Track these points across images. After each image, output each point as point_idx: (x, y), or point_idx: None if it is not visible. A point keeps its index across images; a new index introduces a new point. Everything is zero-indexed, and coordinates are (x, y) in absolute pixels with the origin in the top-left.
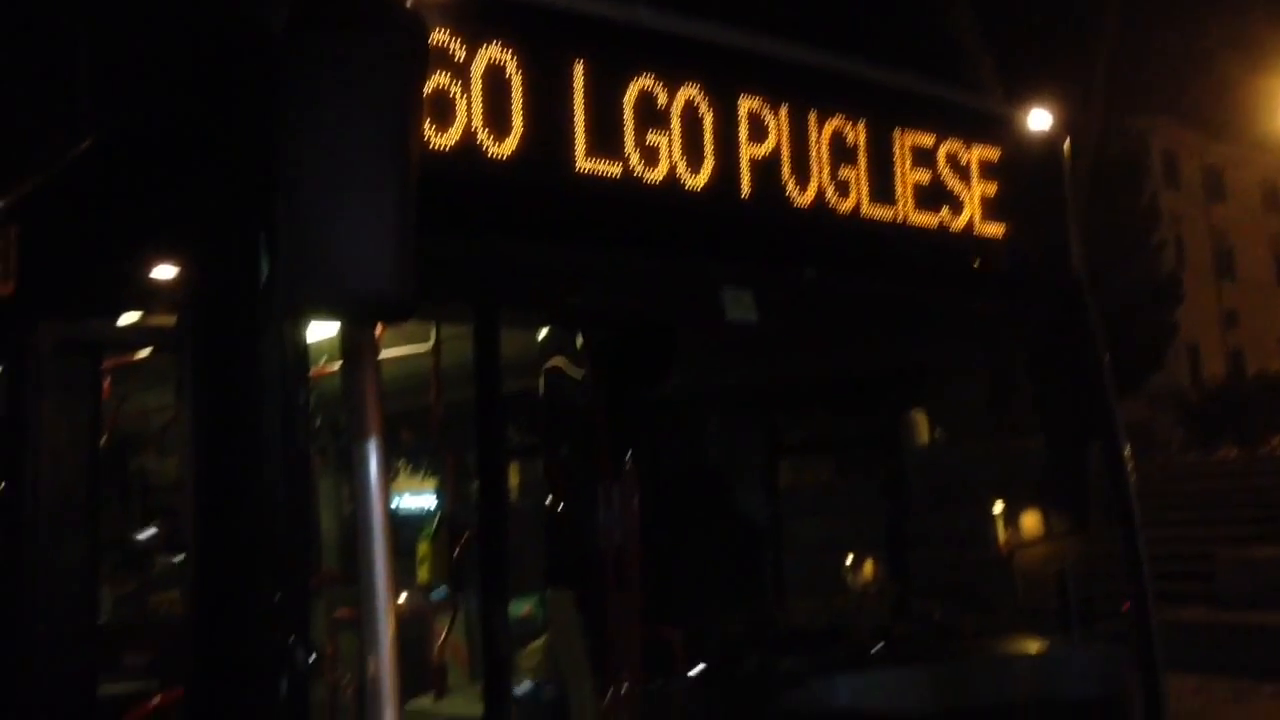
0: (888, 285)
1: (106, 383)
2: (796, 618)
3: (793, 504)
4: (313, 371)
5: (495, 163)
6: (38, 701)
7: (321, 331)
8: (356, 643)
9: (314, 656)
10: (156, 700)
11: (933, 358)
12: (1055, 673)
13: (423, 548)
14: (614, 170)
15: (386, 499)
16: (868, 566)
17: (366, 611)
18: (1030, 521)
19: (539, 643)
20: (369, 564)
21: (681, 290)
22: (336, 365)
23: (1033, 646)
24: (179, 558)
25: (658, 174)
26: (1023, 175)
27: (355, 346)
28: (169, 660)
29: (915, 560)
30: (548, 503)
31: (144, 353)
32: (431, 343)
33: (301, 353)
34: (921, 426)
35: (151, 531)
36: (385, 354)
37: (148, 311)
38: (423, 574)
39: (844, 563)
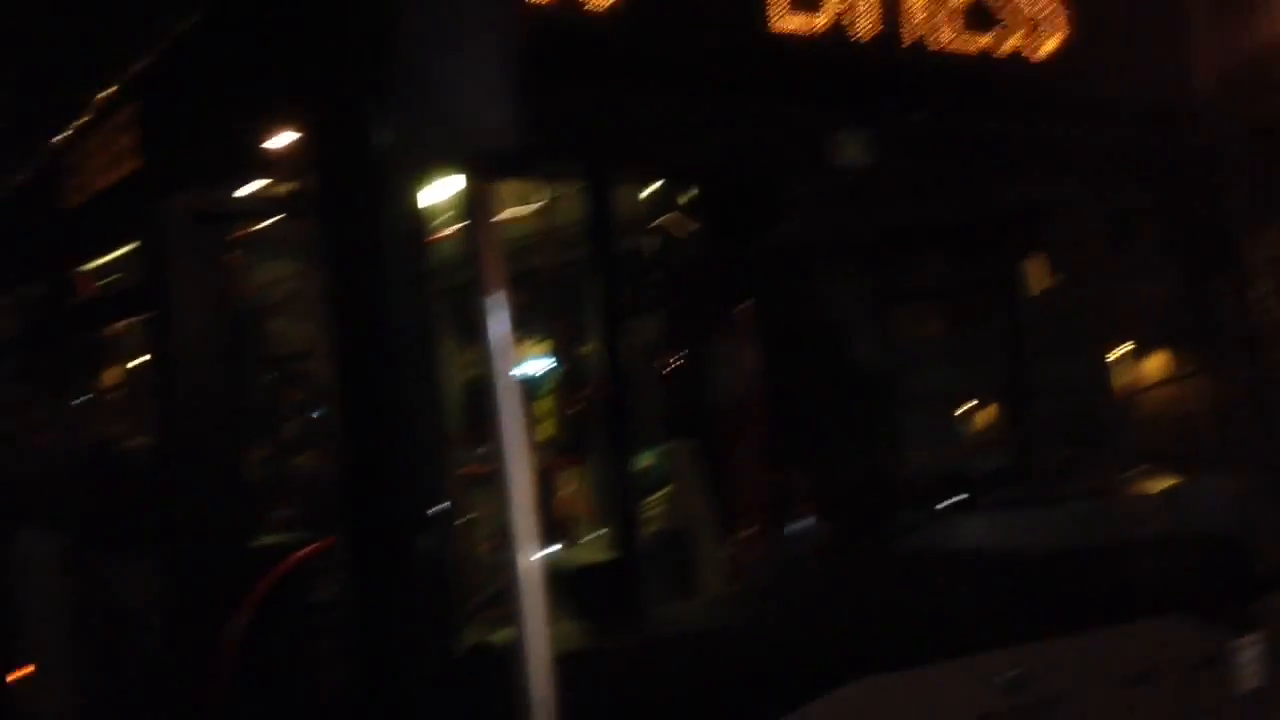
0: (1001, 120)
1: (233, 252)
2: (916, 465)
3: (909, 352)
4: (430, 238)
5: (602, 12)
6: (192, 559)
7: (435, 195)
8: (484, 498)
9: (452, 512)
10: (304, 552)
11: (1050, 197)
12: (1184, 511)
13: (542, 406)
14: (722, 15)
15: (514, 352)
16: (987, 414)
17: (502, 463)
18: (1156, 363)
19: (661, 494)
20: (501, 416)
21: (793, 136)
22: (451, 229)
23: (1160, 486)
24: (310, 422)
25: (767, 17)
26: None
27: (476, 201)
28: (311, 515)
29: (1036, 407)
30: (665, 358)
31: (269, 221)
32: (542, 203)
33: (424, 211)
34: (1039, 271)
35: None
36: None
37: (271, 179)
38: (543, 432)
39: (963, 411)
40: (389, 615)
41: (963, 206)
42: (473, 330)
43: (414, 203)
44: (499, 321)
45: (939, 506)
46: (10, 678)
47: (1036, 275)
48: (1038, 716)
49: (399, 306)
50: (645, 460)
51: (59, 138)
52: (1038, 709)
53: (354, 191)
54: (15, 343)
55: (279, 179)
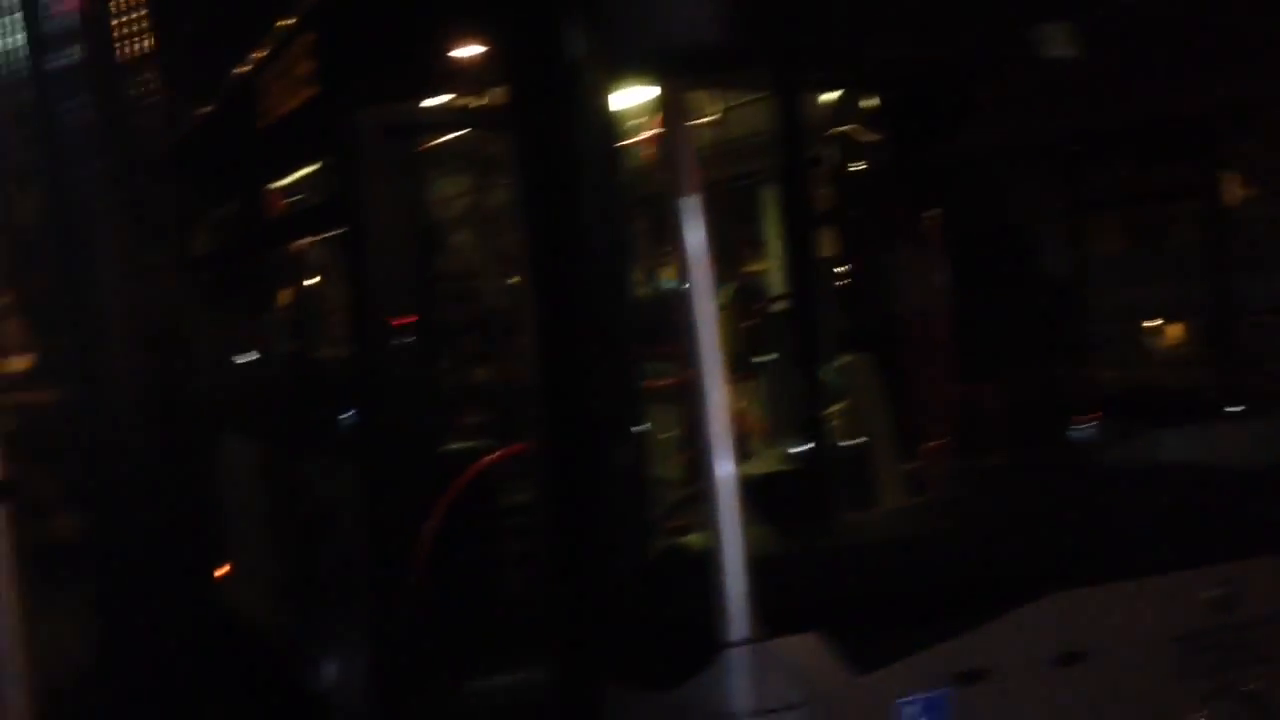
0: (1209, 10)
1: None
2: (1108, 379)
3: (1100, 264)
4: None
5: None
6: (390, 460)
7: (627, 102)
8: (673, 407)
9: (647, 421)
10: (492, 457)
11: (1257, 95)
12: None
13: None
14: None
15: (708, 255)
16: (1184, 326)
17: (698, 372)
18: None
19: (838, 408)
20: (697, 325)
21: (991, 29)
22: (644, 137)
23: None
24: (501, 332)
25: None
26: None
27: (671, 107)
28: (499, 422)
29: (1236, 320)
30: (844, 269)
31: (458, 133)
32: (716, 115)
33: (619, 118)
34: (1241, 177)
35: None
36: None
37: (462, 91)
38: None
39: (1158, 323)
40: (588, 520)
41: (1163, 107)
42: (665, 239)
43: (608, 111)
44: (694, 229)
45: (1135, 422)
46: (216, 574)
47: (1238, 182)
48: (1244, 636)
49: (594, 216)
50: (825, 373)
51: (251, 58)
52: (1245, 628)
53: (548, 100)
54: (215, 259)
55: (471, 91)
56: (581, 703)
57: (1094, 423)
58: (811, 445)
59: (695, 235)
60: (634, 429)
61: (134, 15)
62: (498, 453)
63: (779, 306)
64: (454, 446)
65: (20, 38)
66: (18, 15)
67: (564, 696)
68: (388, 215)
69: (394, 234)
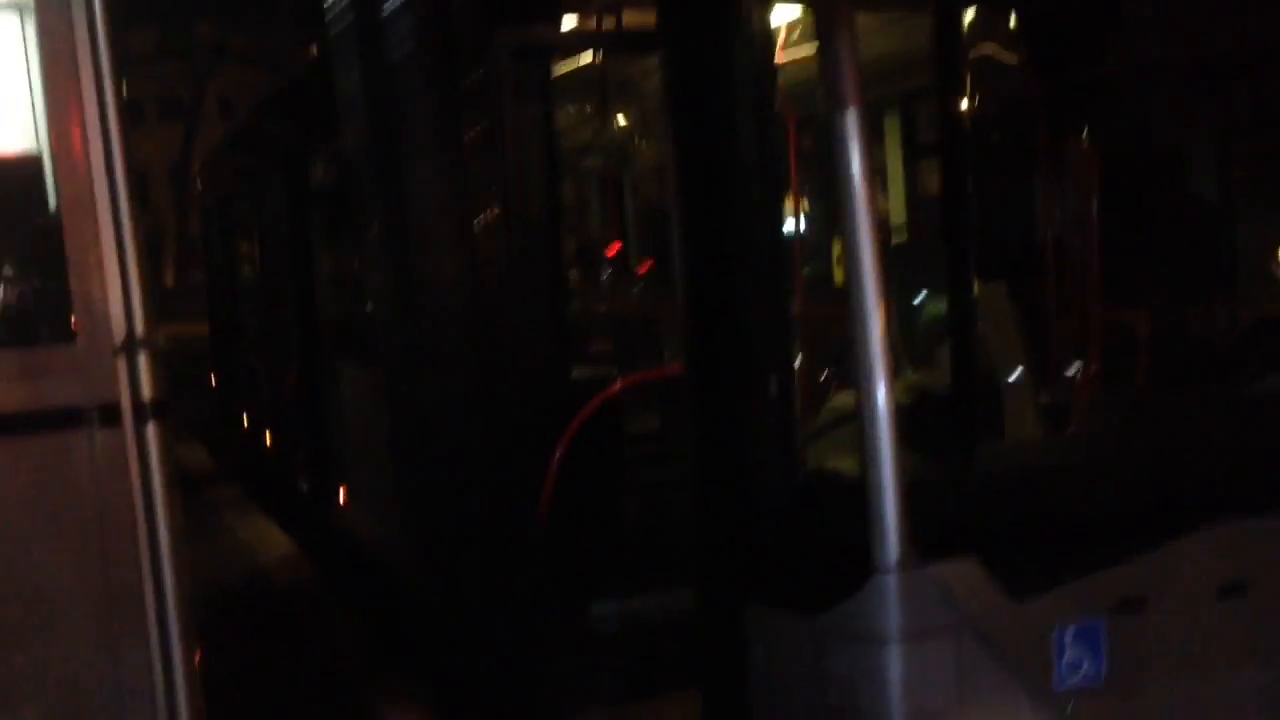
0: None
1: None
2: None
3: (1253, 189)
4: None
5: None
6: (521, 384)
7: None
8: (819, 331)
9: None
10: (618, 386)
11: None
12: None
13: (840, 247)
14: None
15: (870, 173)
16: None
17: (859, 296)
18: None
19: (994, 334)
20: (857, 246)
21: None
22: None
23: None
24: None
25: None
26: None
27: (833, 22)
28: (626, 350)
29: None
30: (975, 195)
31: (585, 58)
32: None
33: (776, 36)
34: None
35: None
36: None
37: (606, 13)
38: (840, 275)
39: None
40: (741, 446)
41: None
42: (823, 156)
43: (766, 28)
44: (854, 139)
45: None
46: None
47: None
48: None
49: (751, 138)
50: (979, 299)
51: None
52: None
53: (703, 18)
54: (328, 193)
55: (614, 11)
56: (724, 624)
57: (1257, 352)
58: (967, 372)
59: (855, 156)
60: (788, 355)
61: None
62: (626, 379)
63: (913, 233)
64: (583, 374)
65: None
66: None
67: (705, 618)
68: (520, 141)
69: (526, 160)
